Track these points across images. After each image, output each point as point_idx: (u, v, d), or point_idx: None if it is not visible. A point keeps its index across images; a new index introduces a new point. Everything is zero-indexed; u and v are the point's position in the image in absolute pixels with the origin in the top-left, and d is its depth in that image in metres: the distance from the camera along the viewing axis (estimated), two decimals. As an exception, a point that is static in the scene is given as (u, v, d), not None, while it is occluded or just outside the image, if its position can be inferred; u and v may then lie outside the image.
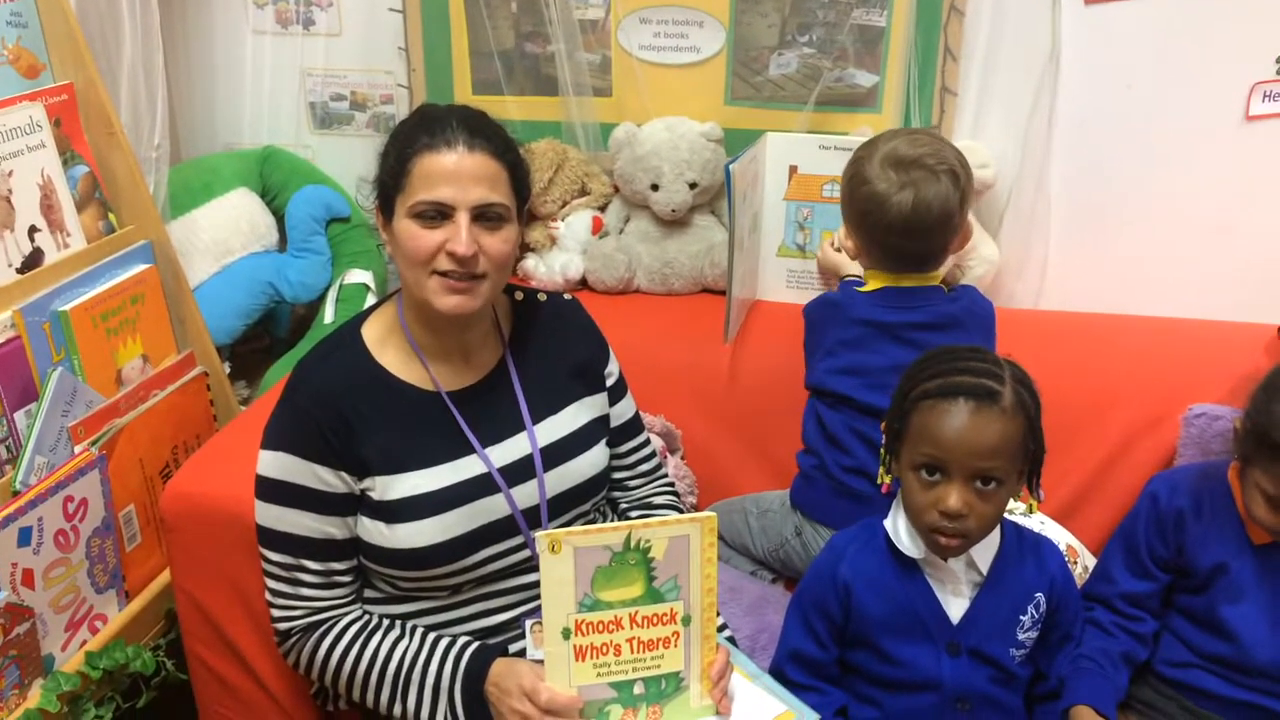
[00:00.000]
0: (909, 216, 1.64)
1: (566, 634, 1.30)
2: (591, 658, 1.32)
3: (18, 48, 1.79)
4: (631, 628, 1.32)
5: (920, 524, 1.39)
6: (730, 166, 1.79)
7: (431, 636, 1.44)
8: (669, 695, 1.37)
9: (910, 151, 1.65)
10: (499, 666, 1.38)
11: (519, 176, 1.42)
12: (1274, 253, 2.05)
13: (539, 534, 1.27)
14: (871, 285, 1.76)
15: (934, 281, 1.75)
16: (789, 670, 1.51)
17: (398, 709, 1.42)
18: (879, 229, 1.68)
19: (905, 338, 1.72)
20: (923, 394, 1.38)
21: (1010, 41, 2.03)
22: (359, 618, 1.46)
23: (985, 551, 1.44)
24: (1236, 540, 1.52)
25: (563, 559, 1.27)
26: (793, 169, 2.07)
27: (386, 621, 1.46)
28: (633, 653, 1.33)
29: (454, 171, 1.34)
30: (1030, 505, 1.47)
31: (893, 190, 1.64)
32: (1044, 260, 2.14)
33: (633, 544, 1.29)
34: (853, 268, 1.87)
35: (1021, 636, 1.45)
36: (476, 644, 1.43)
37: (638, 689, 1.35)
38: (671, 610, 1.33)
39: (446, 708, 1.39)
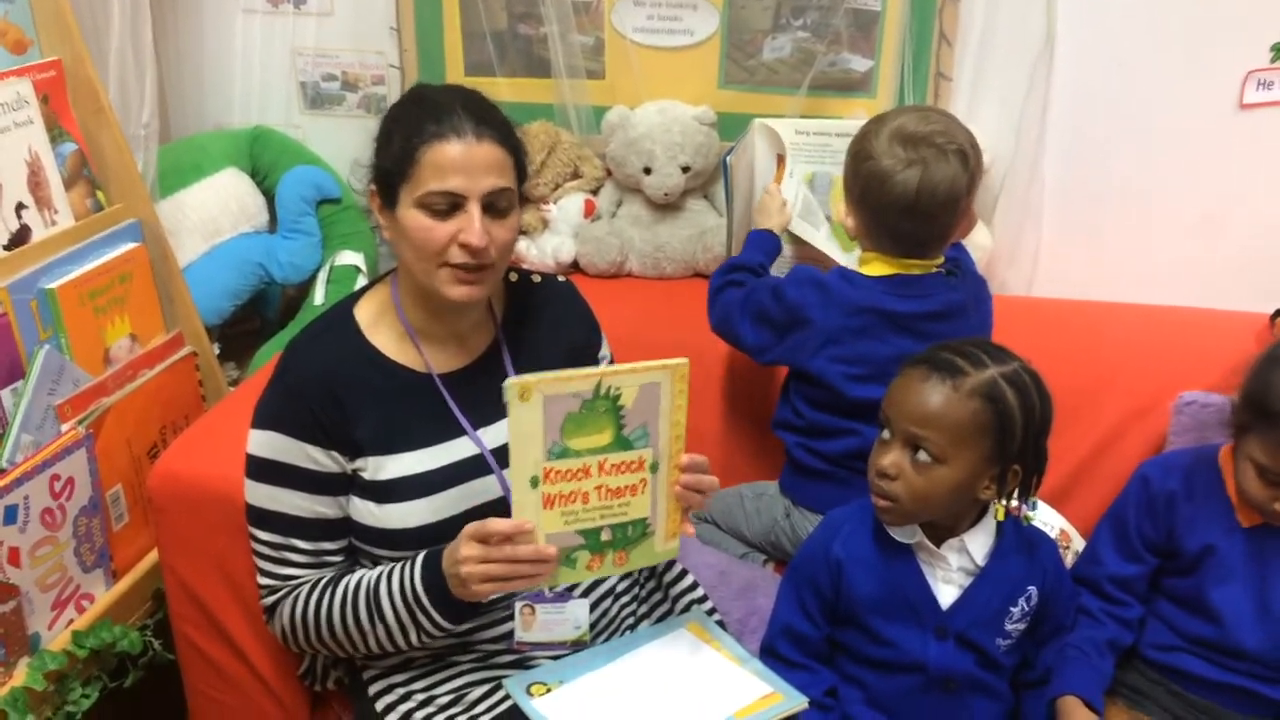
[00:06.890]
0: (914, 197, 1.60)
1: (535, 482, 1.28)
2: (560, 505, 1.31)
3: (4, 22, 1.77)
4: (600, 475, 1.31)
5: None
6: (728, 159, 1.77)
7: (394, 564, 1.40)
8: (634, 540, 1.37)
9: (920, 128, 1.61)
10: (448, 547, 1.34)
11: (520, 162, 1.42)
12: (1266, 241, 2.06)
13: (508, 381, 1.23)
14: (875, 270, 1.70)
15: (936, 266, 1.72)
16: (780, 646, 1.51)
17: (372, 640, 1.39)
18: (881, 208, 1.64)
19: (913, 328, 1.68)
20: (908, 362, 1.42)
21: (1005, 27, 2.03)
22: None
23: (981, 543, 1.44)
24: (1225, 522, 1.53)
25: (532, 406, 1.25)
26: (780, 158, 2.06)
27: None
28: (600, 500, 1.33)
29: (465, 161, 1.33)
30: (999, 509, 1.45)
31: (899, 168, 1.60)
32: (1037, 247, 2.14)
33: (602, 391, 1.27)
34: (772, 223, 1.85)
35: (1009, 627, 1.46)
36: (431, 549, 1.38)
37: (605, 535, 1.35)
38: (640, 458, 1.33)
39: (423, 616, 1.36)
